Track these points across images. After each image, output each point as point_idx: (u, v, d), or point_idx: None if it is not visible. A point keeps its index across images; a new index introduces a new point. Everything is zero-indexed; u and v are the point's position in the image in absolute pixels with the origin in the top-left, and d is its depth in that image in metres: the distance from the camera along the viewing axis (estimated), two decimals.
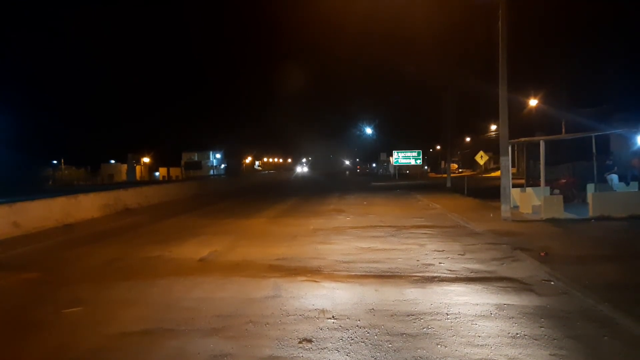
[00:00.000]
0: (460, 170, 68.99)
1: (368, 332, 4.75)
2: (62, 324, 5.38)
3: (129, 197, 19.58)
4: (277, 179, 59.23)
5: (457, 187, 26.09)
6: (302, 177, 67.11)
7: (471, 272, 7.08)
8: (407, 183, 37.42)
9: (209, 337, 4.74)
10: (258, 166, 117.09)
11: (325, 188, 32.90)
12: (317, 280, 6.82)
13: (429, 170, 72.13)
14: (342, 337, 4.66)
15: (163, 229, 13.18)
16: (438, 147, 70.51)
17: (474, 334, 4.63)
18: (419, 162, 53.10)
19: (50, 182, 61.66)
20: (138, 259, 8.94)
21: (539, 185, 13.83)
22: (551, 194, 14.20)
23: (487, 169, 58.50)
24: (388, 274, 7.12)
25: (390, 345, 4.43)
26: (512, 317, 5.06)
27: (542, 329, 4.72)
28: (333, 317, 5.24)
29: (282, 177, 66.67)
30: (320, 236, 10.96)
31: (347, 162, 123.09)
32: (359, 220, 13.87)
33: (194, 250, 9.54)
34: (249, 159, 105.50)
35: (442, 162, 60.28)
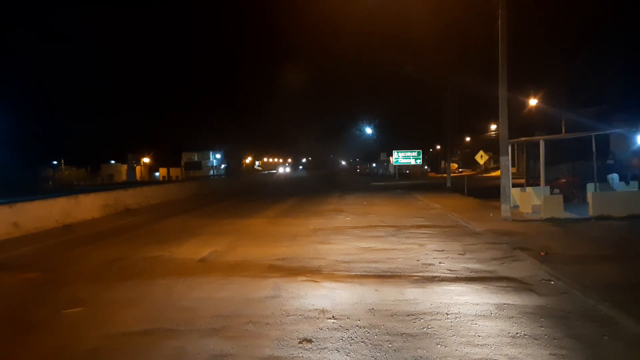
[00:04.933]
0: (460, 170, 69.00)
1: (368, 332, 4.75)
2: (62, 324, 5.39)
3: (129, 198, 19.58)
4: (277, 179, 59.21)
5: (457, 187, 26.10)
6: (285, 178, 63.51)
7: (471, 272, 7.08)
8: (407, 183, 37.42)
9: (209, 337, 4.74)
10: (258, 166, 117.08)
11: (324, 188, 32.88)
12: (317, 280, 6.83)
13: (429, 170, 72.06)
14: (342, 337, 4.66)
15: (163, 229, 13.18)
16: (438, 147, 70.48)
17: (474, 333, 4.64)
18: (419, 162, 52.98)
19: (51, 183, 61.61)
20: (138, 259, 8.94)
21: (539, 184, 13.82)
22: (551, 193, 14.22)
23: (487, 169, 58.55)
24: (388, 273, 7.13)
25: (390, 345, 4.43)
26: (512, 317, 5.06)
27: (542, 328, 4.72)
28: (333, 317, 5.24)
29: (282, 177, 66.63)
30: (320, 236, 10.96)
31: (344, 163, 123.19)
32: (359, 220, 13.87)
33: (194, 250, 9.54)
34: (249, 159, 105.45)
35: (442, 162, 60.21)
